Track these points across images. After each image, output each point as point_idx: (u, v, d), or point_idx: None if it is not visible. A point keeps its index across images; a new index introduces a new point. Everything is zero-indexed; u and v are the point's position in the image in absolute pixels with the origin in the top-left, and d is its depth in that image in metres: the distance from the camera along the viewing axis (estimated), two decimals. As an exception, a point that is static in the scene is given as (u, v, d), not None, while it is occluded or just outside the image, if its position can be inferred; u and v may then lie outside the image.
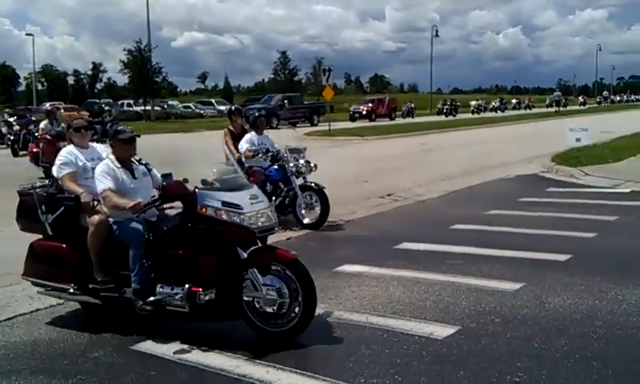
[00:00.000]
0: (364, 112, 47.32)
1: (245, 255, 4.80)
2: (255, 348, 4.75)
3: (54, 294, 5.62)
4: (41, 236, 5.57)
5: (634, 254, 7.35)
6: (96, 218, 5.15)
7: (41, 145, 15.30)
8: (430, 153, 21.29)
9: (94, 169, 5.34)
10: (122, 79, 64.38)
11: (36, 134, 15.70)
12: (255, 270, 4.75)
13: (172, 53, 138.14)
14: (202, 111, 59.03)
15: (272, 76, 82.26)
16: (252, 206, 4.86)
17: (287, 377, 4.28)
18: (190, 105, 62.48)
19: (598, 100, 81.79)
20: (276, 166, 9.56)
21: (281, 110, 40.06)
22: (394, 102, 51.38)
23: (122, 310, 5.28)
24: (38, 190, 5.53)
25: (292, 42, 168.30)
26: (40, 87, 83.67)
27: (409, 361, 4.46)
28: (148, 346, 4.92)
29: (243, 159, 9.42)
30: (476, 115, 53.91)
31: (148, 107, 53.47)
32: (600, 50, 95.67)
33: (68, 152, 5.57)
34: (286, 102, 41.33)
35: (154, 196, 5.26)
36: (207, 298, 4.73)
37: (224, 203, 4.79)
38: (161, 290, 4.89)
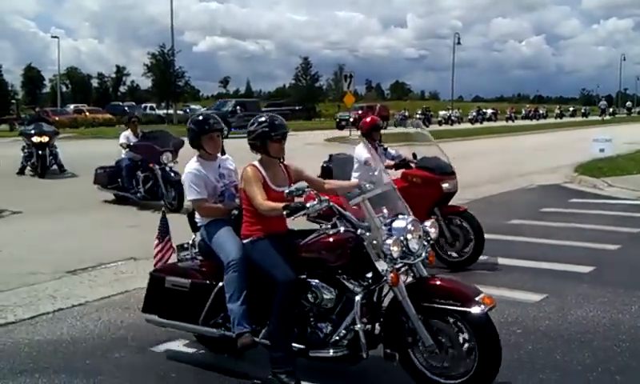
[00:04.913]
0: (351, 120, 40.98)
1: None
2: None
3: None
4: None
5: (658, 267, 7.23)
6: None
7: None
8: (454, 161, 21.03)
9: None
10: (146, 82, 65.25)
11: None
12: None
13: (194, 57, 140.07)
14: (222, 115, 59.32)
15: (293, 81, 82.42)
16: None
17: None
18: (212, 109, 62.95)
19: None
20: None
21: (232, 117, 35.24)
22: (385, 110, 47.84)
23: None
24: None
25: (314, 47, 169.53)
26: (64, 89, 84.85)
27: (429, 370, 4.41)
28: (168, 348, 4.95)
29: None
30: (446, 127, 47.26)
31: (170, 111, 53.99)
32: (624, 59, 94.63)
33: None
34: (238, 108, 37.67)
35: None
36: None
37: None
38: None
